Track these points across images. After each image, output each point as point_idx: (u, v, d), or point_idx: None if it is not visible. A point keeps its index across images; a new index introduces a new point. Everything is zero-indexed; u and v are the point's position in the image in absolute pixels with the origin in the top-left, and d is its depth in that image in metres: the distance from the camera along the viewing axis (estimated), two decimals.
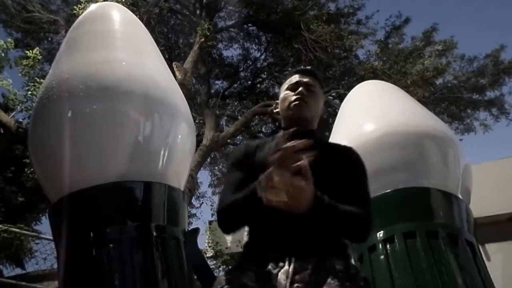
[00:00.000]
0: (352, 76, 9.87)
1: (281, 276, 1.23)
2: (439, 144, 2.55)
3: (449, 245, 2.25)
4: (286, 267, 1.25)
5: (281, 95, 1.59)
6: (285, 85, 1.61)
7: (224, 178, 1.49)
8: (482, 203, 3.80)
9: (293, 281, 1.22)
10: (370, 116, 2.71)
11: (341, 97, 8.07)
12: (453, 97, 10.22)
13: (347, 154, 1.55)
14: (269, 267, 1.27)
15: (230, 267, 1.41)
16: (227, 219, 1.42)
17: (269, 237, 1.35)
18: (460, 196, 2.51)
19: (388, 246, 2.31)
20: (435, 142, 2.54)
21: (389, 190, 2.43)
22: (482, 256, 2.46)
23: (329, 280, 1.23)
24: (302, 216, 1.28)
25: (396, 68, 9.48)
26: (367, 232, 1.42)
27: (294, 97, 1.53)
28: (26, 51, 7.79)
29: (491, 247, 4.78)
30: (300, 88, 1.54)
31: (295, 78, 1.59)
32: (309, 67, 1.71)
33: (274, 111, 1.64)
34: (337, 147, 1.60)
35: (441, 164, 2.52)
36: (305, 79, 1.58)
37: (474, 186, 2.77)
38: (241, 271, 1.31)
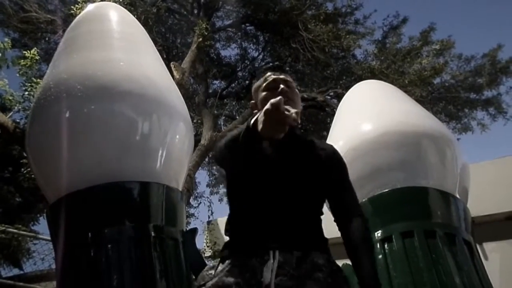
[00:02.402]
0: (350, 75, 9.87)
1: (266, 269, 1.24)
2: (437, 144, 2.55)
3: (446, 245, 2.25)
4: (271, 260, 1.26)
5: (261, 96, 1.54)
6: (261, 85, 1.56)
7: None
8: (480, 202, 3.81)
9: (278, 274, 1.23)
10: (368, 115, 2.71)
11: (339, 97, 8.08)
12: (451, 96, 10.23)
13: (331, 154, 1.55)
14: (253, 261, 1.27)
15: (215, 261, 1.40)
16: (225, 150, 1.35)
17: (252, 231, 1.35)
18: (457, 196, 2.52)
19: (386, 245, 2.32)
20: (433, 142, 2.54)
21: (386, 190, 2.44)
22: (479, 255, 2.47)
23: (314, 274, 1.26)
24: (285, 210, 1.34)
25: (393, 67, 9.49)
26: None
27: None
28: (24, 51, 7.76)
29: (488, 246, 4.79)
30: (281, 86, 1.50)
31: (269, 76, 1.56)
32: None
33: (254, 110, 1.58)
34: (318, 143, 1.58)
35: (439, 164, 2.53)
36: (281, 76, 1.55)
37: (471, 185, 2.77)
38: (225, 267, 1.31)
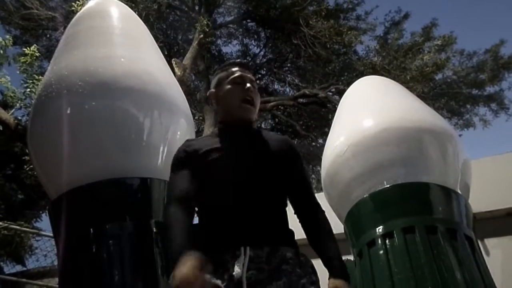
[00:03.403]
0: (352, 71, 9.86)
1: (237, 264, 1.29)
2: (438, 140, 2.55)
3: (448, 240, 2.26)
4: (242, 255, 1.30)
5: (225, 88, 1.54)
6: (226, 76, 1.56)
7: (170, 178, 1.56)
8: (481, 198, 3.80)
9: (249, 268, 1.28)
10: (369, 111, 2.71)
11: (341, 93, 8.06)
12: (453, 92, 10.22)
13: (286, 144, 1.58)
14: (225, 257, 1.31)
15: None
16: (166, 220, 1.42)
17: (224, 227, 1.39)
18: (459, 191, 2.52)
19: (387, 241, 2.32)
20: (434, 138, 2.54)
21: (388, 185, 2.44)
22: (481, 251, 2.47)
23: (282, 267, 1.30)
24: (253, 206, 1.39)
25: (395, 63, 9.47)
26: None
27: (245, 98, 1.50)
28: (25, 48, 7.77)
29: (490, 242, 4.78)
30: (248, 85, 1.51)
31: (237, 71, 1.55)
32: (245, 61, 1.72)
33: (212, 100, 1.60)
34: (274, 137, 1.61)
35: (440, 160, 2.52)
36: (248, 75, 1.56)
37: (473, 181, 2.77)
38: None
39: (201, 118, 9.61)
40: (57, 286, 2.40)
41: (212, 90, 1.60)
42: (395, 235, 2.30)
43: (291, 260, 1.34)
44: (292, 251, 1.37)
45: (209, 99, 1.63)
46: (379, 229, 2.37)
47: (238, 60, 1.66)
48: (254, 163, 1.45)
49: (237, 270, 1.27)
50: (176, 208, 1.39)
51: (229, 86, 1.53)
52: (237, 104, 1.50)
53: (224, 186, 1.43)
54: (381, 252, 2.31)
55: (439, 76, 10.15)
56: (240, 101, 1.50)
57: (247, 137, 1.51)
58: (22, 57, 7.42)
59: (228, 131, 1.53)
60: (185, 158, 1.50)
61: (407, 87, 4.38)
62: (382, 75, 6.09)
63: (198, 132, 8.56)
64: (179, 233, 1.32)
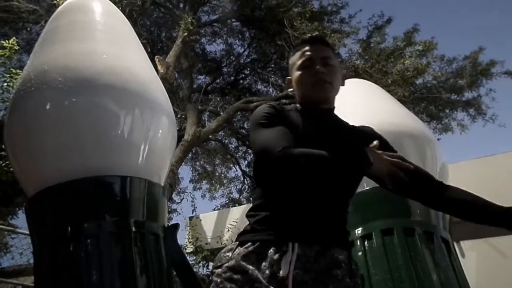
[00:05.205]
0: None
1: (284, 261, 1.20)
2: (418, 143, 2.59)
3: (425, 242, 2.30)
4: (289, 252, 1.22)
5: (295, 75, 1.42)
6: (296, 60, 1.43)
7: (258, 129, 1.31)
8: None
9: (295, 267, 1.20)
10: (351, 114, 2.73)
11: None
12: (432, 97, 10.39)
13: (371, 134, 1.57)
14: (271, 250, 1.23)
15: (233, 244, 1.32)
16: (297, 165, 1.23)
17: (277, 221, 1.29)
18: None
19: (366, 242, 2.35)
20: (414, 141, 2.58)
21: (367, 188, 2.46)
22: (456, 253, 2.52)
23: (332, 271, 1.22)
24: (322, 205, 1.31)
25: (377, 67, 9.57)
26: None
27: (313, 79, 1.38)
28: (3, 41, 7.58)
29: (465, 244, 4.89)
30: (317, 67, 1.38)
31: (306, 52, 1.41)
32: (317, 34, 1.50)
33: (289, 90, 1.50)
34: (359, 127, 1.58)
35: (419, 163, 2.55)
36: (319, 53, 1.41)
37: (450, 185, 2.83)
38: (243, 251, 1.26)
39: (183, 116, 9.54)
40: (33, 285, 2.35)
41: (289, 77, 1.49)
42: (374, 237, 2.33)
43: (344, 264, 1.26)
44: (345, 253, 1.29)
45: (287, 87, 1.52)
46: (358, 231, 2.40)
47: (309, 35, 1.50)
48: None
49: (283, 267, 1.19)
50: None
51: (298, 72, 1.42)
52: (309, 89, 1.40)
53: (307, 184, 1.29)
54: (360, 253, 2.34)
55: (419, 81, 10.31)
56: (311, 86, 1.39)
57: (328, 124, 1.40)
58: (1, 50, 7.25)
59: (307, 113, 1.40)
60: (277, 114, 1.35)
61: (388, 91, 4.45)
62: (364, 78, 6.16)
63: (180, 131, 8.50)
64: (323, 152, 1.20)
